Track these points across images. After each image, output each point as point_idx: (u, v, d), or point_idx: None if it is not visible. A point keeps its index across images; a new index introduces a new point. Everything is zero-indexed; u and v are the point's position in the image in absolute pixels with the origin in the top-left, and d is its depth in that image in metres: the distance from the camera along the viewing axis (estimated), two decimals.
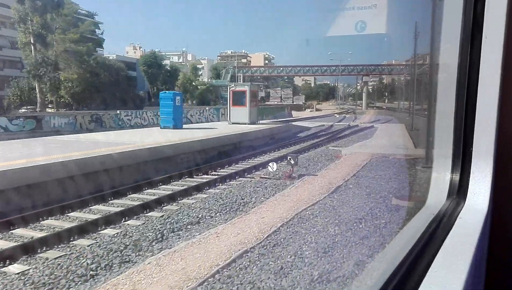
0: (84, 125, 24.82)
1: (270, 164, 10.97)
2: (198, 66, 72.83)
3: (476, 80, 1.68)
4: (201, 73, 74.16)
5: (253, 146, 16.85)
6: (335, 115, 49.03)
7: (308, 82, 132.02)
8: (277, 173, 10.90)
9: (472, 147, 1.73)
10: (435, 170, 1.98)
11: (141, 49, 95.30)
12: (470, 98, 1.74)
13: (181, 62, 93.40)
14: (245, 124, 22.28)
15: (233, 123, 22.82)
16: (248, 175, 11.43)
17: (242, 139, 17.06)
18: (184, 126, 22.03)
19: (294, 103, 73.24)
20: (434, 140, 2.12)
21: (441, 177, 1.93)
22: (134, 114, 29.60)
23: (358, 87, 79.34)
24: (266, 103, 74.50)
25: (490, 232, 1.70)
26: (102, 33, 67.79)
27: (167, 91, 20.30)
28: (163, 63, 61.60)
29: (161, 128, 19.44)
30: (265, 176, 10.70)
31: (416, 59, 26.93)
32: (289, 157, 10.77)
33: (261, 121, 27.61)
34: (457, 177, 1.84)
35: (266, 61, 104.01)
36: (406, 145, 17.69)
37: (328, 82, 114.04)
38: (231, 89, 23.16)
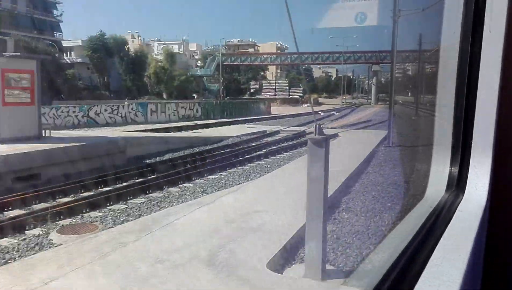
0: None
1: None
2: (174, 52, 60.18)
3: (476, 73, 1.70)
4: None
5: None
6: (320, 113, 36.43)
7: (329, 74, 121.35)
8: None
9: (471, 140, 1.73)
10: (434, 162, 1.97)
11: (139, 38, 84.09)
12: (470, 91, 1.74)
13: (180, 52, 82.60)
14: None
15: None
16: None
17: None
18: None
19: (290, 96, 60.26)
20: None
21: (440, 170, 1.91)
22: None
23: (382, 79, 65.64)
24: (257, 96, 61.84)
25: (489, 225, 1.71)
26: (60, 15, 56.33)
27: None
28: (126, 48, 49.29)
29: None
30: None
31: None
32: None
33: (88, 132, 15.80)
34: (456, 169, 1.83)
35: (279, 51, 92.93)
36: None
37: (351, 75, 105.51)
38: None
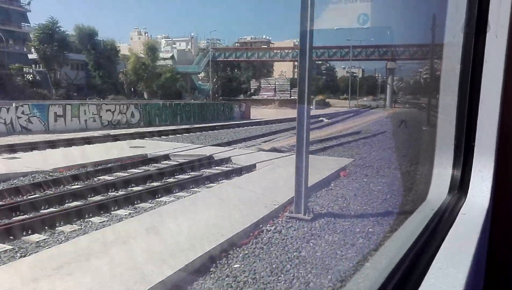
0: None
1: None
2: (157, 45, 52.29)
3: (479, 75, 1.68)
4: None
5: None
6: None
7: (355, 74, 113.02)
8: None
9: (474, 142, 1.70)
10: (436, 165, 1.89)
11: (146, 34, 77.29)
12: (473, 93, 1.72)
13: (187, 49, 76.12)
14: None
15: None
16: None
17: None
18: None
19: (292, 97, 52.06)
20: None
21: (443, 172, 1.85)
22: None
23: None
24: (253, 97, 53.67)
25: (492, 227, 1.69)
26: (28, 3, 49.08)
27: None
28: (97, 41, 41.74)
29: None
30: None
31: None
32: None
33: None
34: (458, 172, 1.79)
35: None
36: None
37: (378, 75, 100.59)
38: None
